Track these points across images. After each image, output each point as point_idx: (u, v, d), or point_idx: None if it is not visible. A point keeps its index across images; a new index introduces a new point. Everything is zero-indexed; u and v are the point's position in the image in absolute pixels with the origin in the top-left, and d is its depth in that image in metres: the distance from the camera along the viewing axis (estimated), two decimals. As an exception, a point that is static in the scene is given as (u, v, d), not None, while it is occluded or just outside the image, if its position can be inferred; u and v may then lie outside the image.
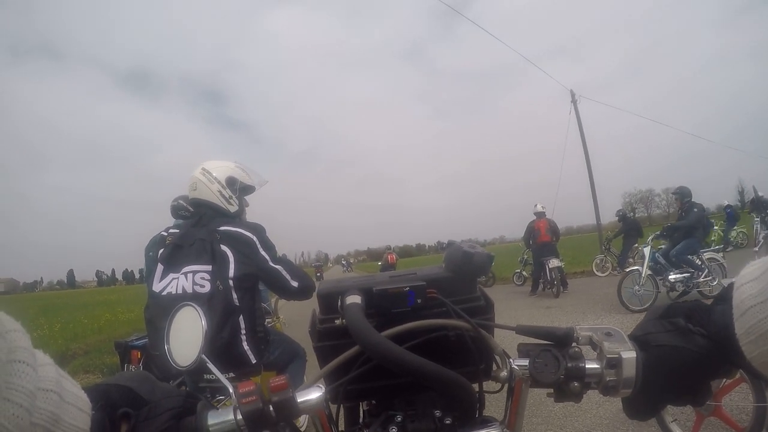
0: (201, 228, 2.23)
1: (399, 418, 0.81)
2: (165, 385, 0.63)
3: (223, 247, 2.14)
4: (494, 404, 0.96)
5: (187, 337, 0.90)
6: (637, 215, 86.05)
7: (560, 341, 0.69)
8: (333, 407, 0.88)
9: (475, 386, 0.81)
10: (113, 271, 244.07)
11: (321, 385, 0.70)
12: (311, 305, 1.15)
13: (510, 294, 12.34)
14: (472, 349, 0.81)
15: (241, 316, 2.14)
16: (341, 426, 0.94)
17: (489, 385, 0.83)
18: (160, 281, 2.14)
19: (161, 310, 2.07)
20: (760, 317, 0.50)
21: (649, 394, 0.63)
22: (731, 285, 0.56)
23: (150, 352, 2.94)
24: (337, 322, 0.82)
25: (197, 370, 0.94)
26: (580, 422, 3.55)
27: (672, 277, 7.93)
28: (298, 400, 0.65)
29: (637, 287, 7.89)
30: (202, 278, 2.08)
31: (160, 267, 2.17)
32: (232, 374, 2.08)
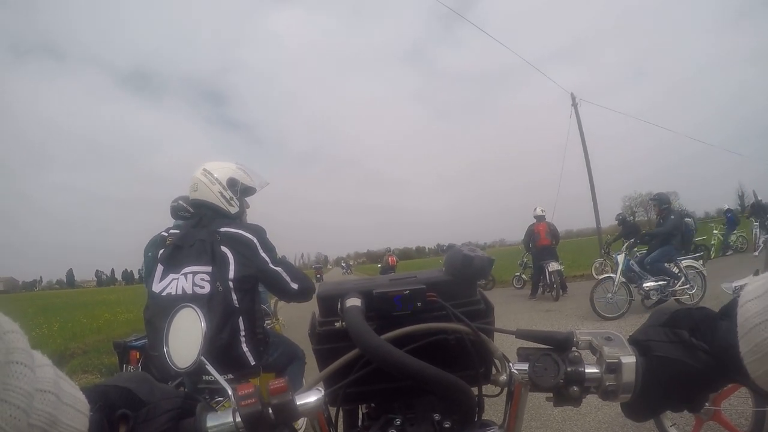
0: (201, 229, 2.22)
1: (398, 422, 0.81)
2: (164, 387, 0.63)
3: (224, 249, 2.13)
4: (493, 408, 0.96)
5: (186, 339, 0.90)
6: (637, 219, 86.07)
7: (560, 345, 0.69)
8: (332, 410, 0.88)
9: (475, 390, 0.81)
10: (113, 271, 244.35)
11: (320, 388, 0.70)
12: (310, 307, 1.15)
13: (509, 297, 12.32)
14: (472, 353, 0.81)
15: (240, 318, 2.14)
16: (340, 429, 0.94)
17: (488, 388, 0.83)
18: (159, 282, 2.14)
19: (161, 310, 2.07)
20: (766, 335, 0.49)
21: (647, 399, 0.63)
22: (735, 301, 0.55)
23: (149, 352, 2.93)
24: (337, 324, 0.82)
25: (196, 371, 0.94)
26: (579, 426, 3.55)
27: (647, 284, 7.93)
28: (298, 403, 0.65)
29: (610, 295, 7.89)
30: (202, 279, 2.08)
31: (160, 267, 2.17)
32: (230, 376, 2.08)
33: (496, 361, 0.78)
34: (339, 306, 0.79)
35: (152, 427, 0.57)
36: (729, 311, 0.57)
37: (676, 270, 7.88)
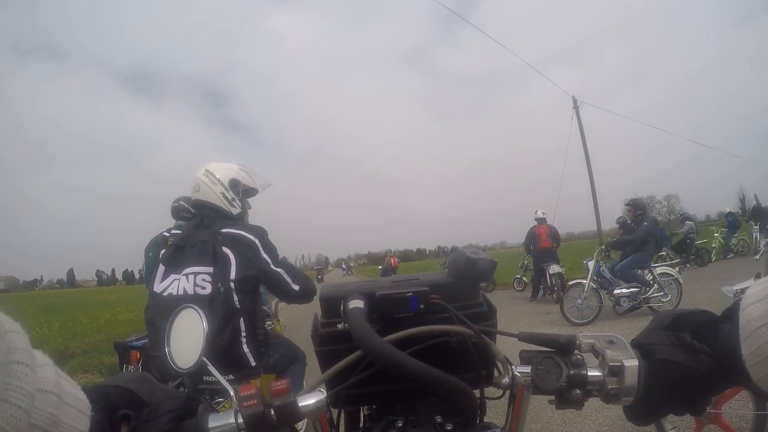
0: (203, 229, 2.23)
1: (400, 424, 0.81)
2: (166, 387, 0.62)
3: (225, 249, 2.14)
4: (495, 411, 0.96)
5: (187, 340, 0.90)
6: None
7: (563, 348, 0.69)
8: (333, 411, 0.87)
9: (477, 392, 0.81)
10: (113, 270, 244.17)
11: (322, 390, 0.70)
12: (311, 308, 1.15)
13: (510, 299, 12.32)
14: (474, 355, 0.81)
15: (241, 319, 2.14)
16: (341, 430, 0.94)
17: (490, 391, 0.83)
18: (161, 282, 2.14)
19: (162, 310, 2.07)
20: (767, 338, 0.49)
21: (649, 403, 0.64)
22: (737, 304, 0.55)
23: (149, 352, 2.93)
24: (340, 326, 0.82)
25: (197, 371, 0.94)
26: (579, 428, 3.54)
27: (617, 291, 7.94)
28: (300, 404, 0.65)
29: (580, 300, 7.89)
30: (204, 280, 2.08)
31: (161, 267, 2.17)
32: (231, 376, 2.08)
33: (499, 364, 0.77)
34: (342, 308, 0.79)
35: (154, 428, 0.57)
36: (731, 314, 0.57)
37: (649, 277, 7.86)
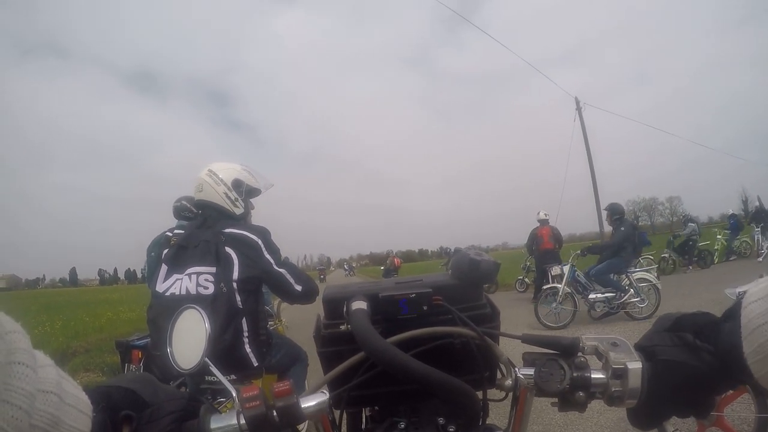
0: (206, 229, 2.23)
1: (402, 425, 0.81)
2: (168, 388, 0.62)
3: (228, 250, 2.13)
4: (498, 412, 0.96)
5: (190, 340, 0.90)
6: (640, 223, 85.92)
7: (566, 351, 0.69)
8: (335, 412, 0.87)
9: (480, 394, 0.81)
10: (115, 269, 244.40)
11: (325, 391, 0.70)
12: (313, 309, 1.14)
13: (512, 301, 12.30)
14: (477, 357, 0.81)
15: (244, 319, 2.13)
16: (344, 431, 0.94)
17: (493, 393, 0.83)
18: (163, 282, 2.14)
19: (164, 310, 2.07)
20: None
21: (653, 405, 0.64)
22: (739, 303, 0.56)
23: (151, 351, 2.94)
24: (342, 327, 0.82)
25: (199, 372, 0.94)
26: (581, 430, 3.54)
27: (592, 296, 7.95)
28: (302, 406, 0.65)
29: (554, 304, 7.92)
30: (206, 280, 2.08)
31: (164, 267, 2.17)
32: (233, 376, 2.08)
33: (502, 366, 0.77)
34: (345, 309, 0.78)
35: (156, 429, 0.57)
36: (733, 313, 0.57)
37: (626, 282, 7.86)
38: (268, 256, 2.19)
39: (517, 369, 0.73)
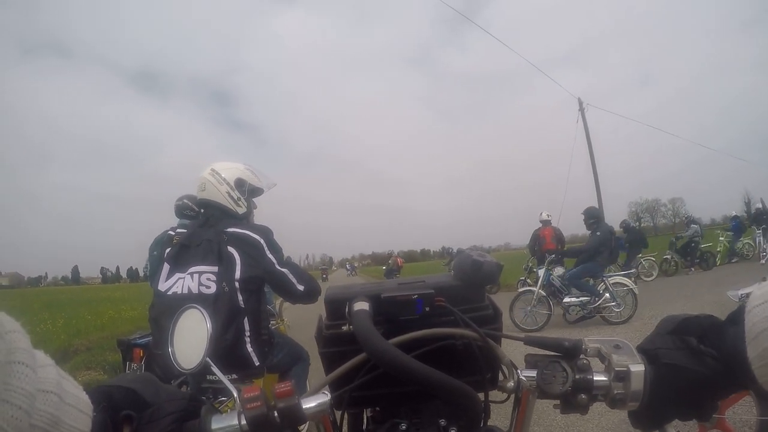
0: (208, 229, 2.23)
1: (404, 426, 0.81)
2: (169, 388, 0.62)
3: (230, 249, 2.13)
4: (499, 414, 0.96)
5: (191, 340, 0.90)
6: (642, 224, 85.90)
7: (568, 353, 0.69)
8: (337, 413, 0.87)
9: (481, 395, 0.80)
10: (117, 268, 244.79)
11: (326, 392, 0.70)
12: (315, 308, 1.14)
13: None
14: (480, 359, 0.80)
15: (245, 318, 2.14)
16: None
17: (495, 394, 0.83)
18: (165, 281, 2.14)
19: (166, 309, 2.07)
20: None
21: (655, 408, 0.64)
22: (742, 307, 0.55)
23: (153, 350, 2.94)
24: (344, 328, 0.81)
25: (200, 371, 0.94)
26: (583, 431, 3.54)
27: (566, 300, 8.00)
28: (304, 407, 0.65)
29: (529, 308, 7.97)
30: (208, 279, 2.08)
31: (166, 266, 2.17)
32: (234, 376, 2.08)
33: (504, 368, 0.77)
34: (347, 309, 0.78)
35: (156, 429, 0.57)
36: (737, 317, 0.57)
37: (602, 287, 7.88)
38: (270, 256, 2.19)
39: (519, 371, 0.73)
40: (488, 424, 0.85)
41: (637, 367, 0.63)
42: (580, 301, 7.89)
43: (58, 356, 7.33)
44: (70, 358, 7.77)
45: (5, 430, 0.38)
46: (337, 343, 0.83)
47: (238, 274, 2.11)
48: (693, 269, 14.59)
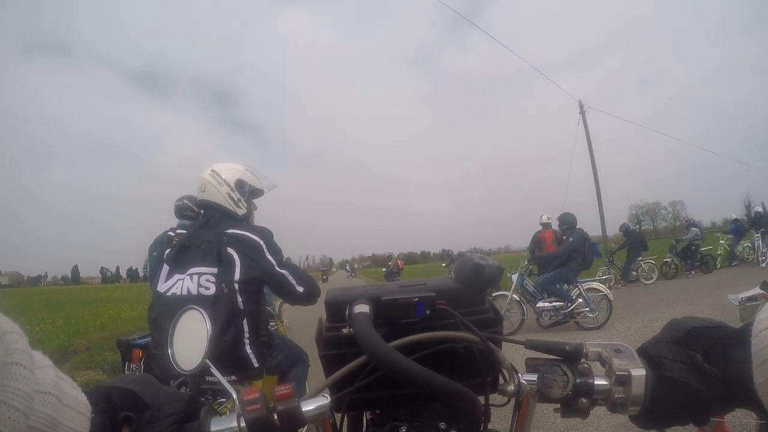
0: (208, 230, 2.23)
1: (403, 429, 0.81)
2: (169, 389, 0.62)
3: (230, 250, 2.13)
4: (500, 418, 0.95)
5: (191, 341, 0.90)
6: (642, 227, 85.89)
7: (569, 356, 0.69)
8: (336, 415, 0.87)
9: (482, 399, 0.80)
10: (117, 268, 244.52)
11: (326, 395, 0.70)
12: (315, 310, 1.14)
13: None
14: (480, 362, 0.80)
15: (245, 320, 2.13)
16: None
17: (495, 398, 0.82)
18: (165, 281, 2.14)
19: (166, 310, 2.07)
20: None
21: (655, 413, 0.63)
22: (749, 328, 0.53)
23: (152, 351, 2.94)
24: (345, 330, 0.81)
25: (200, 372, 0.93)
26: (582, 435, 3.54)
27: (540, 305, 8.03)
28: (303, 410, 0.65)
29: (502, 312, 7.88)
30: (208, 280, 2.08)
31: (165, 267, 2.17)
32: (233, 377, 2.08)
33: (504, 371, 0.77)
34: (347, 312, 0.78)
35: (156, 431, 0.56)
36: (743, 338, 0.55)
37: (575, 293, 7.91)
38: (270, 257, 2.19)
39: (519, 374, 0.73)
40: (488, 427, 0.85)
41: (638, 372, 0.63)
42: (554, 306, 7.95)
43: (57, 356, 7.34)
44: (69, 357, 7.77)
45: None
46: (337, 345, 0.82)
47: (237, 276, 2.11)
48: (693, 272, 14.59)
